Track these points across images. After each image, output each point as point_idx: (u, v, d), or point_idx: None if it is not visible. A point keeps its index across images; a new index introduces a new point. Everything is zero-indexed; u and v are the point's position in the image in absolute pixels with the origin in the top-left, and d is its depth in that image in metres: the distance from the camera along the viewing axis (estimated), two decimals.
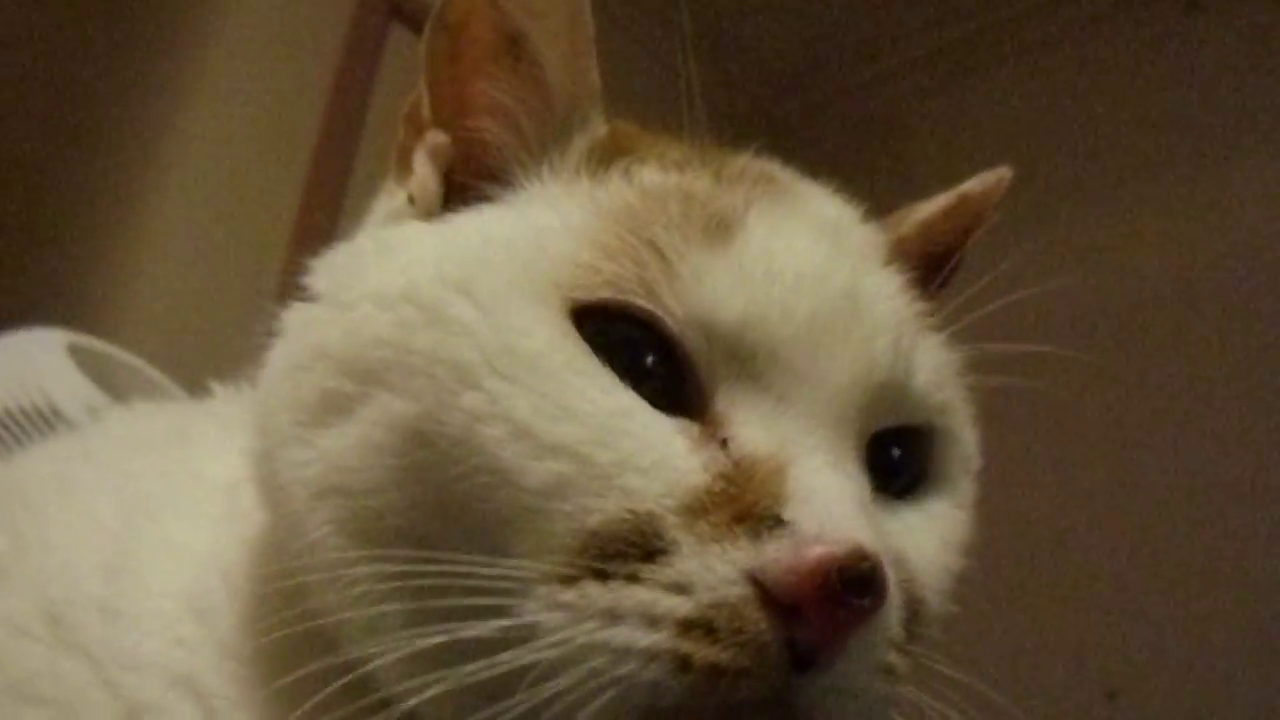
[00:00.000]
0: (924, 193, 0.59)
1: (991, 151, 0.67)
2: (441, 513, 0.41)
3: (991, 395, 0.53)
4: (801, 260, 0.42)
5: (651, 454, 0.39)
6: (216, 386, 0.72)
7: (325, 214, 1.54)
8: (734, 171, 0.48)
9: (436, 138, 0.51)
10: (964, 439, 0.50)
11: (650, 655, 0.36)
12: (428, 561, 0.40)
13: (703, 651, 0.36)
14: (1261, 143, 2.23)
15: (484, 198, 0.49)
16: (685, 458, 0.39)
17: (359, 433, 0.43)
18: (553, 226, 0.44)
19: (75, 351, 1.16)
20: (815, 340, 0.41)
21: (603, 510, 0.38)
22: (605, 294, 0.40)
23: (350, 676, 0.43)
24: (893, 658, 0.40)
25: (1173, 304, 2.21)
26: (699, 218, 0.43)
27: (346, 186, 1.58)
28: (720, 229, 0.42)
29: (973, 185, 0.58)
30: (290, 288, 0.53)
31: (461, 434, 0.40)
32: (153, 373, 1.23)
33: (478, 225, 0.46)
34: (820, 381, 0.41)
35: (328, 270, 0.52)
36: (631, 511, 0.38)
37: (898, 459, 0.45)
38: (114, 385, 1.17)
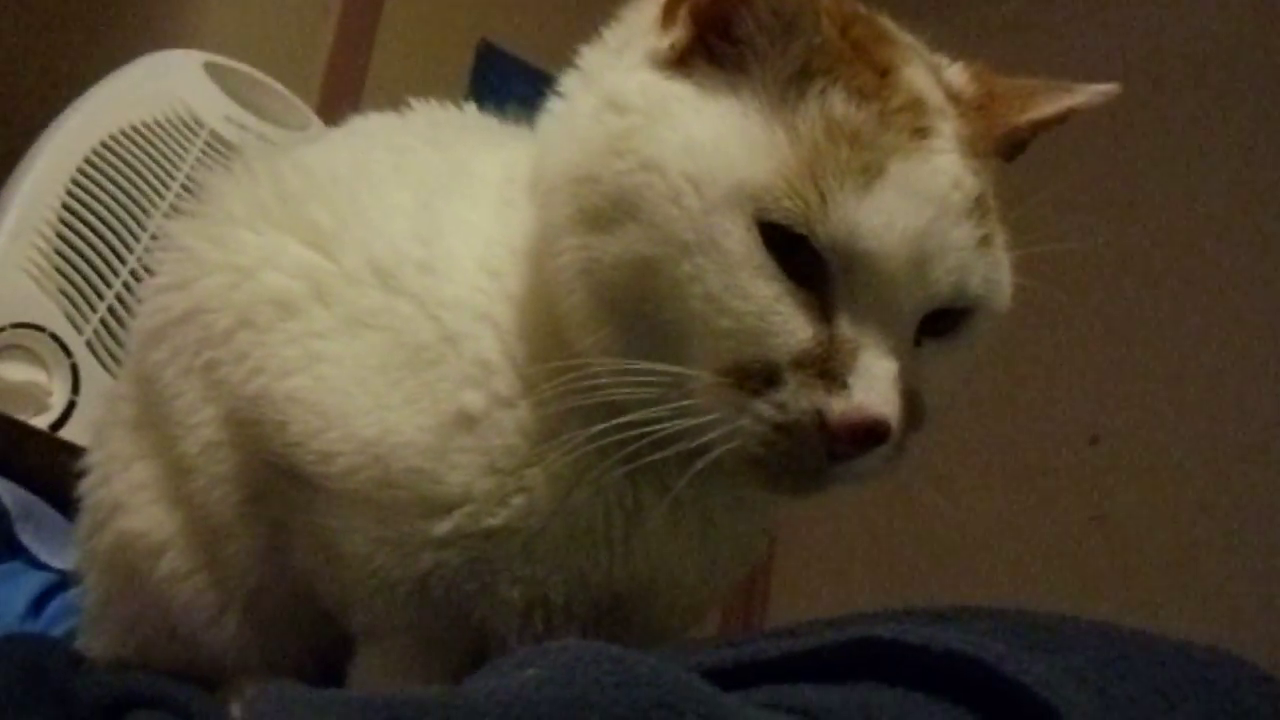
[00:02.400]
0: None
1: None
2: (653, 318, 0.60)
3: None
4: (910, 219, 0.57)
5: (785, 327, 0.58)
6: (414, 102, 0.84)
7: None
8: (896, 106, 0.60)
9: (700, 1, 0.63)
10: (998, 307, 0.64)
11: (755, 431, 0.58)
12: (639, 346, 0.61)
13: (782, 442, 0.58)
14: None
15: (726, 60, 0.62)
16: (804, 329, 0.58)
17: (613, 248, 0.60)
18: (762, 147, 0.59)
19: (211, 69, 1.25)
20: (904, 277, 0.58)
21: (750, 352, 0.58)
22: (780, 219, 0.57)
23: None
24: (889, 453, 0.60)
25: None
26: (857, 165, 0.57)
27: None
28: (868, 175, 0.57)
29: (1088, 100, 0.68)
30: None
31: (676, 284, 0.58)
32: (282, 90, 1.32)
33: (715, 122, 0.60)
34: (900, 301, 0.58)
35: (602, 83, 0.64)
36: (764, 357, 0.58)
37: (946, 314, 0.61)
38: (249, 100, 1.27)
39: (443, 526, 0.66)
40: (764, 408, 0.58)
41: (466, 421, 0.65)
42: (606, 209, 0.60)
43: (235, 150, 1.22)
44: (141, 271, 1.15)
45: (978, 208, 0.60)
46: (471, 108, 0.87)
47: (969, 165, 0.61)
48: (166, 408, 0.75)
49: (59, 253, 1.12)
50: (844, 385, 0.57)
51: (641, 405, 0.60)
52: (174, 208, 1.17)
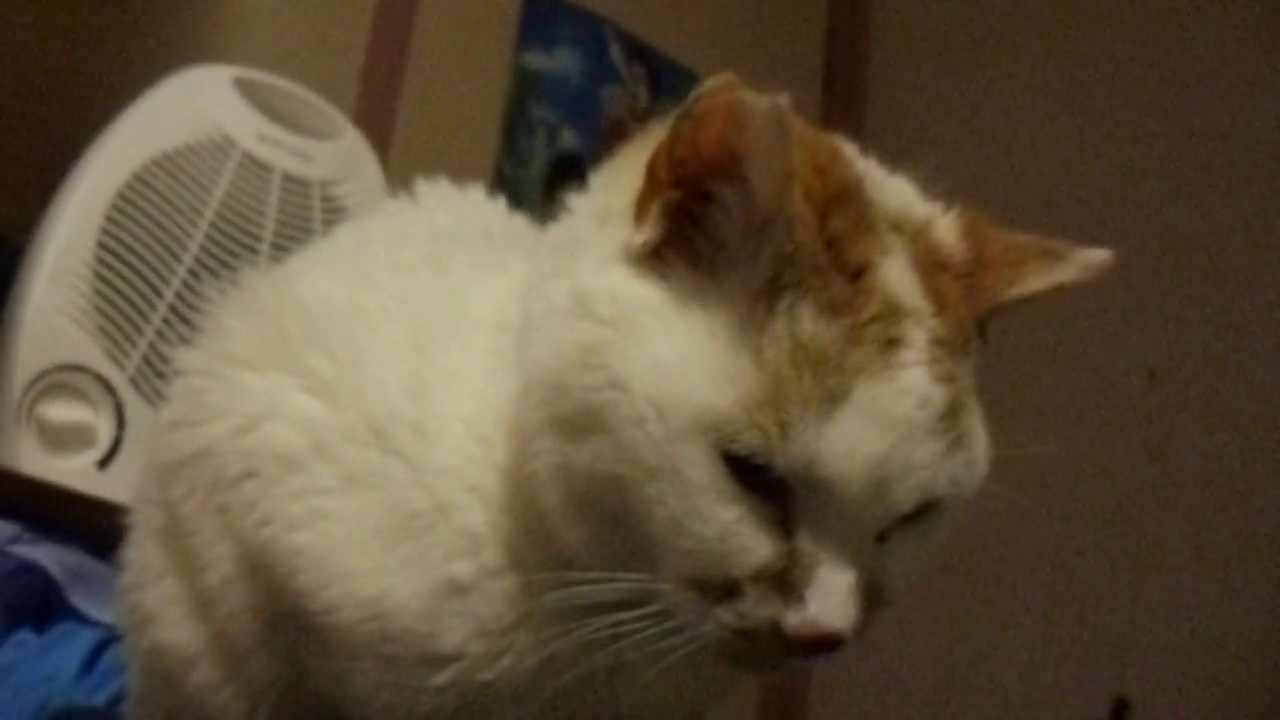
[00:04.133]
0: None
1: None
2: (624, 526, 0.62)
3: None
4: (872, 446, 0.58)
5: (745, 546, 0.60)
6: (422, 186, 0.86)
7: None
8: (866, 318, 0.60)
9: (672, 195, 0.62)
10: (968, 496, 0.64)
11: (718, 635, 0.61)
12: (608, 556, 0.63)
13: (742, 643, 0.61)
14: None
15: (700, 258, 0.62)
16: (763, 547, 0.60)
17: (584, 458, 0.62)
18: (725, 374, 0.59)
19: (241, 85, 1.22)
20: (865, 498, 0.59)
21: (711, 568, 0.60)
22: (740, 450, 0.58)
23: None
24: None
25: None
26: (820, 392, 0.58)
27: None
28: (831, 402, 0.58)
29: (1078, 275, 0.67)
30: None
31: (641, 503, 0.61)
32: (314, 99, 1.29)
33: (682, 343, 0.61)
34: (861, 519, 0.60)
35: (579, 273, 0.64)
36: (724, 574, 0.60)
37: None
38: (280, 114, 1.24)
39: (440, 678, 0.69)
40: (726, 615, 0.60)
41: (457, 589, 0.68)
42: (577, 419, 0.62)
43: (269, 169, 1.21)
44: (179, 305, 1.14)
45: (948, 415, 0.61)
46: (480, 195, 0.88)
47: (941, 372, 0.61)
48: (187, 540, 0.78)
49: (97, 291, 1.12)
50: (800, 599, 0.60)
51: (617, 608, 0.63)
52: (209, 236, 1.17)
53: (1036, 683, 2.06)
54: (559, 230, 0.71)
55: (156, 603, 0.81)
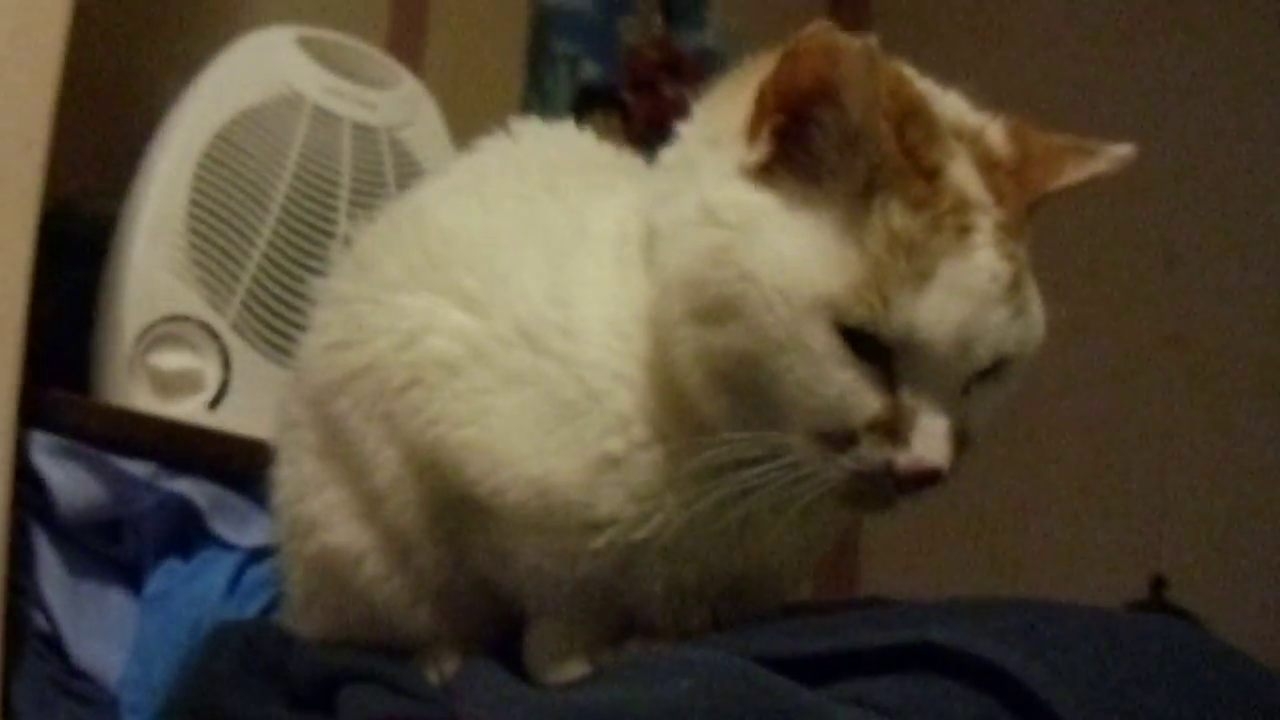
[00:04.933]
0: None
1: None
2: (758, 395, 0.73)
3: None
4: (956, 313, 0.70)
5: (860, 402, 0.70)
6: (517, 124, 0.96)
7: None
8: (944, 209, 0.71)
9: (778, 119, 0.73)
10: (1032, 353, 0.76)
11: (840, 478, 0.72)
12: (743, 421, 0.73)
13: (861, 484, 0.71)
14: None
15: (805, 170, 0.73)
16: (874, 402, 0.71)
17: (721, 340, 0.72)
18: (836, 263, 0.70)
19: (304, 43, 1.29)
20: (952, 357, 0.71)
21: (833, 422, 0.71)
22: (852, 323, 0.69)
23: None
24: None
25: None
26: (913, 271, 0.69)
27: None
28: (921, 279, 0.69)
29: (1109, 166, 0.79)
30: None
31: (773, 373, 0.71)
32: (373, 52, 1.36)
33: (798, 239, 0.72)
34: (949, 374, 0.71)
35: (702, 186, 0.74)
36: (844, 425, 0.71)
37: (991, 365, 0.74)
38: (343, 67, 1.31)
39: (596, 542, 0.79)
40: (847, 460, 0.71)
41: (611, 462, 0.79)
42: (714, 309, 0.72)
43: (341, 121, 1.28)
44: (272, 251, 1.22)
45: (1012, 287, 0.72)
46: (570, 129, 0.98)
47: (1006, 251, 0.72)
48: (354, 448, 0.88)
49: (193, 245, 1.19)
50: (906, 442, 0.71)
51: (753, 463, 0.74)
52: (292, 186, 1.24)
53: (1075, 562, 2.14)
54: (670, 154, 0.81)
55: (321, 510, 0.91)
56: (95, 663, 1.06)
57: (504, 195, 0.90)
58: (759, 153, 0.73)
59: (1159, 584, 2.13)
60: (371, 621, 0.92)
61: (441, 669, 0.91)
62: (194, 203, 1.20)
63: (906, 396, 0.71)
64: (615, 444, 0.79)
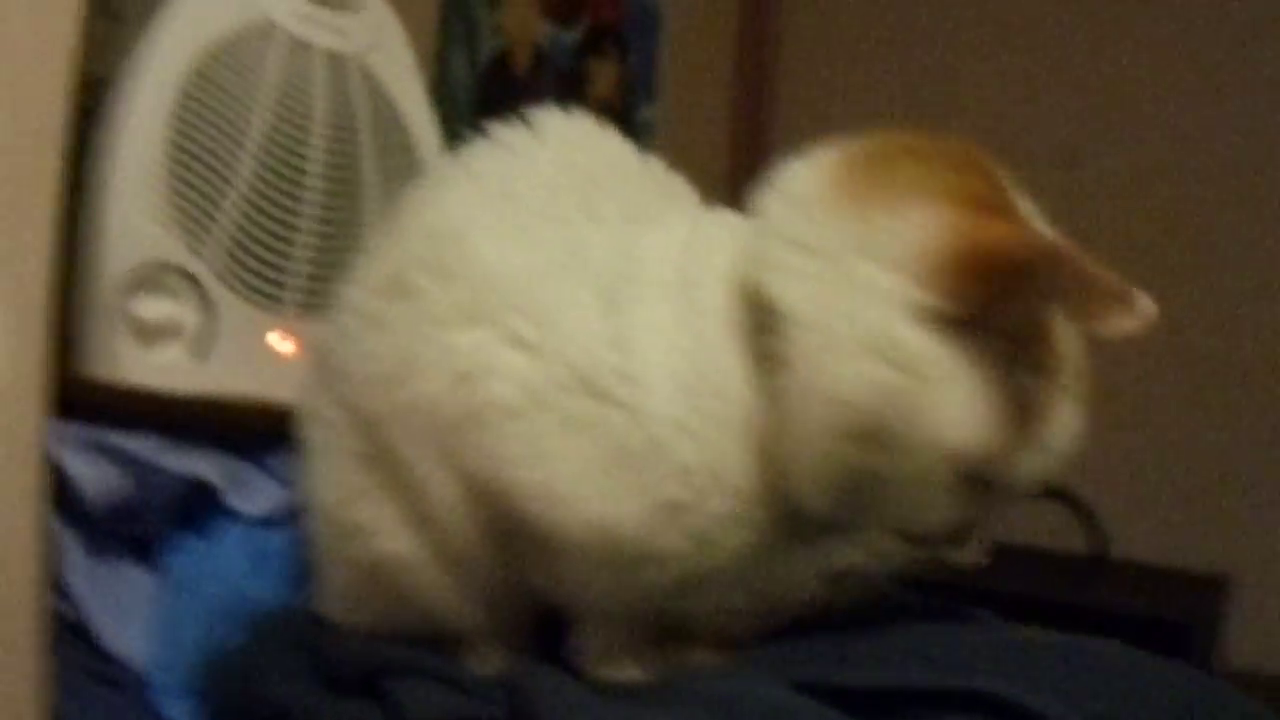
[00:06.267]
0: None
1: None
2: (862, 500, 0.80)
3: None
4: (1049, 465, 0.80)
5: (954, 522, 0.81)
6: (539, 116, 0.95)
7: None
8: (1061, 380, 0.79)
9: (984, 293, 0.75)
10: None
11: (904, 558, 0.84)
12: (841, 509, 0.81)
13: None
14: None
15: (971, 332, 0.76)
16: (963, 519, 0.81)
17: (858, 460, 0.77)
18: (984, 421, 0.77)
19: None
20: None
21: (924, 531, 0.82)
22: (982, 474, 0.78)
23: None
24: None
25: None
26: (1033, 437, 0.78)
27: None
28: (1035, 442, 0.78)
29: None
30: None
31: (894, 495, 0.80)
32: None
33: (962, 394, 0.77)
34: None
35: (862, 312, 0.76)
36: (932, 534, 0.82)
37: None
38: None
39: (656, 575, 0.84)
40: (918, 553, 0.83)
41: (673, 509, 0.81)
42: (863, 434, 0.76)
43: (312, 49, 1.23)
44: (251, 194, 1.19)
45: None
46: (592, 124, 0.97)
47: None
48: (405, 472, 0.89)
49: (171, 188, 1.15)
50: (967, 543, 0.82)
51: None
52: (268, 122, 1.19)
53: None
54: (790, 222, 0.81)
55: (369, 519, 0.92)
56: (123, 646, 1.06)
57: (542, 219, 0.89)
58: (950, 309, 0.75)
59: None
60: (417, 618, 0.94)
61: (489, 662, 0.95)
62: (170, 143, 1.15)
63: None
64: (681, 493, 0.81)
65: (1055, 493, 2.20)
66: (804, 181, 0.81)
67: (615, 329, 0.83)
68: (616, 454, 0.81)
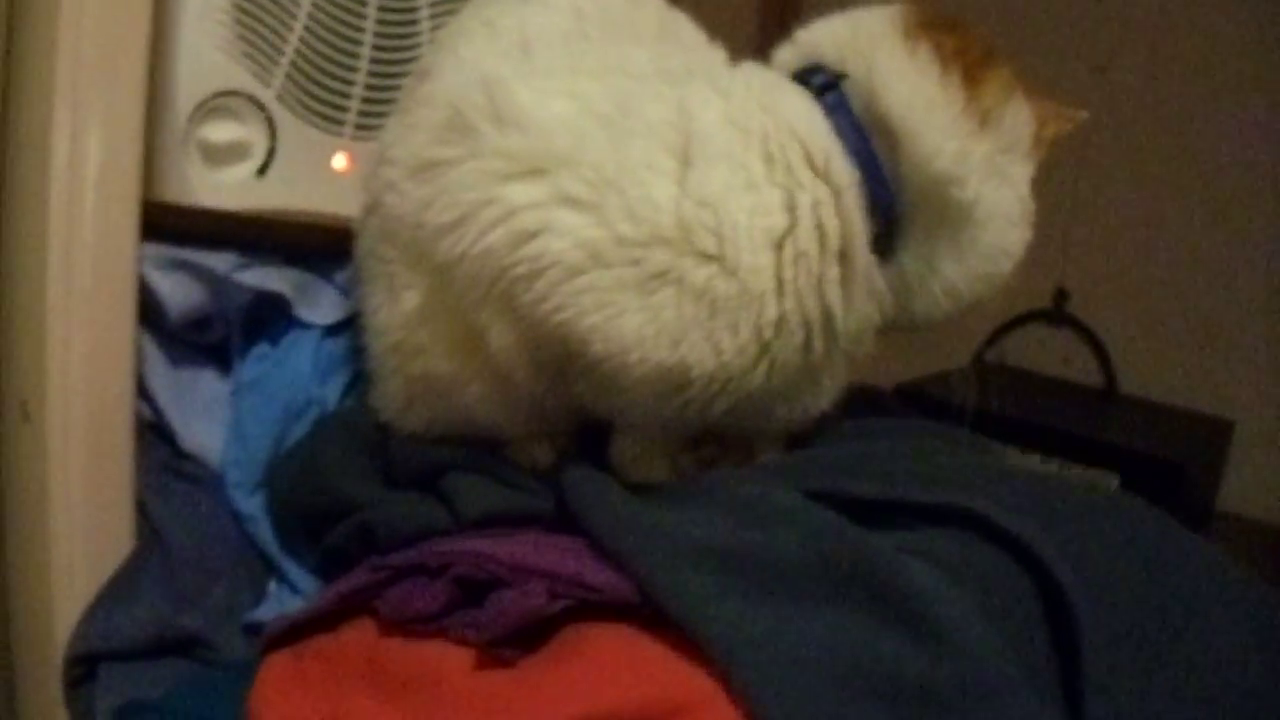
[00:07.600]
0: None
1: None
2: None
3: None
4: None
5: None
6: None
7: None
8: None
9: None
10: None
11: None
12: None
13: None
14: None
15: None
16: None
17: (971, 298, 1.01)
18: None
19: None
20: None
21: None
22: None
23: None
24: None
25: None
26: None
27: None
28: None
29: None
30: None
31: None
32: None
33: None
34: None
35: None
36: None
37: None
38: None
39: (709, 396, 0.90)
40: None
41: (760, 349, 0.88)
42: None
43: None
44: (311, 24, 1.24)
45: None
46: None
47: None
48: (467, 314, 0.93)
49: (238, 21, 1.21)
50: None
51: None
52: None
53: None
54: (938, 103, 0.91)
55: (427, 338, 0.97)
56: (200, 444, 1.15)
57: (576, 73, 0.91)
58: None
59: (1061, 296, 2.34)
60: (467, 423, 1.01)
61: (536, 459, 1.03)
62: None
63: None
64: (768, 335, 0.87)
65: (1070, 323, 2.27)
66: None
67: (698, 186, 0.85)
68: (703, 306, 0.85)
